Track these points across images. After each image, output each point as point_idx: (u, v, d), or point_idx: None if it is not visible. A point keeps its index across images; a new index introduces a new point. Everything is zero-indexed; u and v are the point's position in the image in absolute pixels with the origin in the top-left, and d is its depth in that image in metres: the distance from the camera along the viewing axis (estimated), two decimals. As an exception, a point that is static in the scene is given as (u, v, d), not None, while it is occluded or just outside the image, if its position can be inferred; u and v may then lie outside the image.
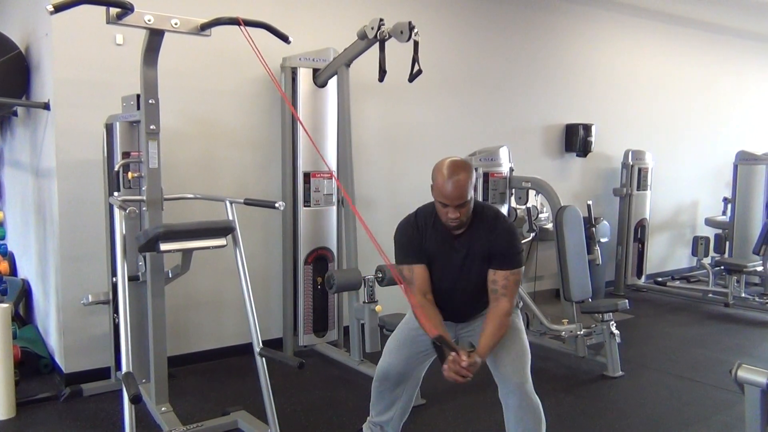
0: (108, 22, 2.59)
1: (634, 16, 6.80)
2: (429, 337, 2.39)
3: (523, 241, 5.02)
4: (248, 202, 3.25)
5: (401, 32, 3.55)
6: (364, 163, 4.88)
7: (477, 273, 2.53)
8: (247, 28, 2.79)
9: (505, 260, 2.48)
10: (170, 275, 3.18)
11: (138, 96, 3.04)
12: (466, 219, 2.44)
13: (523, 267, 2.54)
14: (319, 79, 4.33)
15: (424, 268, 2.54)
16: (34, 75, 4.12)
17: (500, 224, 2.51)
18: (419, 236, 2.54)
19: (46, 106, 3.82)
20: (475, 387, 3.80)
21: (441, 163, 2.43)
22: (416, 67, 3.56)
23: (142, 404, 3.01)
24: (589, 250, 4.91)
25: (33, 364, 4.05)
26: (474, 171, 2.47)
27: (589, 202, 5.66)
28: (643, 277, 6.90)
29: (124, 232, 2.80)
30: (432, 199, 2.50)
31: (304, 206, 4.38)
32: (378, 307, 3.93)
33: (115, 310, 3.59)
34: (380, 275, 3.84)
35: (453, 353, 2.32)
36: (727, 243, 6.98)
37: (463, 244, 2.51)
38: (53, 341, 4.10)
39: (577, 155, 6.44)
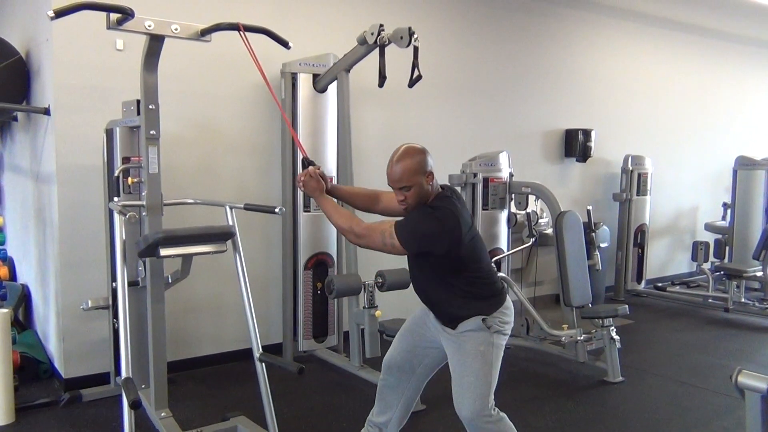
0: (108, 28, 2.59)
1: (633, 22, 6.82)
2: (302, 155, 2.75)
3: (523, 247, 5.05)
4: (248, 207, 3.24)
5: (401, 38, 3.56)
6: (363, 168, 4.87)
7: (419, 263, 2.55)
8: (247, 33, 2.79)
9: (401, 222, 2.43)
10: (170, 280, 3.17)
11: (138, 101, 3.05)
12: (413, 203, 2.45)
13: (400, 249, 2.39)
14: (319, 85, 4.34)
15: (389, 199, 2.65)
16: (35, 80, 4.13)
17: (428, 206, 2.45)
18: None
19: (47, 111, 3.82)
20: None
21: (397, 148, 2.51)
22: (416, 73, 3.57)
23: (141, 410, 3.00)
24: (589, 256, 4.91)
25: (32, 369, 4.05)
26: (427, 159, 2.46)
27: (589, 208, 5.67)
28: (643, 283, 6.90)
29: (124, 237, 2.80)
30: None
31: (304, 211, 4.38)
32: (378, 313, 3.92)
33: (115, 316, 3.58)
34: (380, 280, 3.84)
35: (311, 167, 2.62)
36: (727, 248, 6.98)
37: None
38: (53, 346, 4.09)
39: (576, 160, 6.44)
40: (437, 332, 2.60)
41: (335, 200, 2.69)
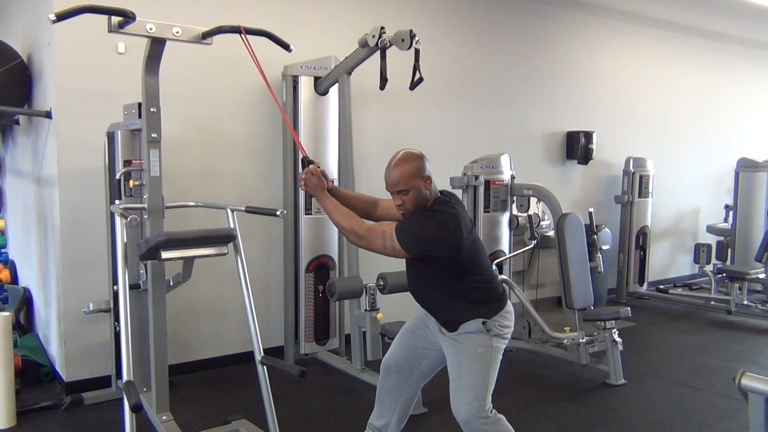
0: (110, 31, 2.60)
1: (635, 24, 6.82)
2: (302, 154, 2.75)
3: (524, 249, 5.05)
4: (249, 210, 3.24)
5: (402, 40, 3.56)
6: (365, 170, 4.87)
7: (417, 267, 2.55)
8: (248, 36, 2.79)
9: (401, 224, 2.41)
10: (171, 283, 3.17)
11: (139, 104, 3.05)
12: (411, 207, 2.44)
13: (401, 252, 2.38)
14: (321, 87, 4.34)
15: (389, 206, 2.64)
16: (36, 83, 4.13)
17: (428, 210, 2.45)
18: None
19: (48, 115, 3.83)
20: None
21: (396, 153, 2.51)
22: (417, 75, 3.56)
23: (143, 413, 3.00)
24: (591, 258, 4.90)
25: (34, 372, 4.04)
26: (425, 164, 2.45)
27: (591, 210, 5.66)
28: (645, 285, 6.89)
29: (125, 240, 2.80)
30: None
31: (306, 214, 4.38)
32: (379, 315, 3.92)
33: (116, 319, 3.58)
34: (381, 283, 3.84)
35: (311, 165, 2.60)
36: (729, 250, 6.97)
37: None
38: (54, 350, 4.09)
39: (578, 163, 6.44)
40: (437, 334, 2.60)
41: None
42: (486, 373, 2.44)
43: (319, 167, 2.62)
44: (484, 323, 2.45)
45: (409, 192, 2.42)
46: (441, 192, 2.55)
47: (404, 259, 2.56)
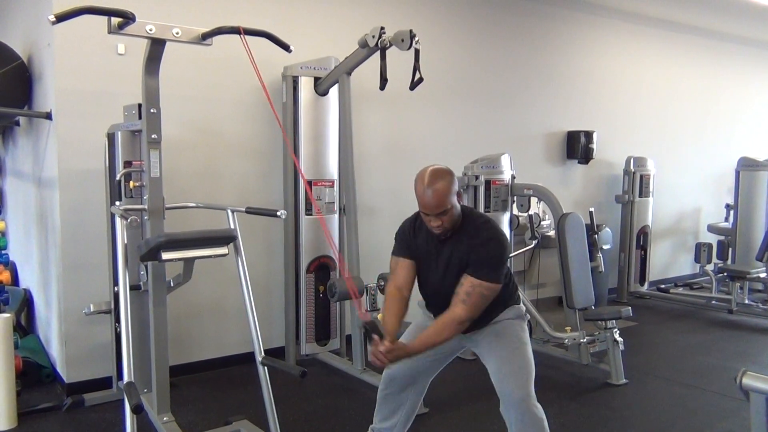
0: (110, 32, 2.60)
1: (635, 24, 6.82)
2: (361, 319, 2.48)
3: (525, 249, 5.04)
4: (250, 211, 3.24)
5: (402, 40, 3.56)
6: (365, 171, 4.88)
7: (456, 282, 2.49)
8: (247, 37, 2.79)
9: (479, 269, 2.39)
10: (172, 284, 3.17)
11: (140, 105, 3.05)
12: (450, 225, 2.42)
13: (497, 285, 2.41)
14: (321, 88, 4.34)
15: (409, 265, 2.57)
16: (36, 85, 4.14)
17: (485, 233, 2.45)
18: (412, 235, 2.59)
19: (48, 116, 3.83)
20: (479, 396, 3.79)
21: (422, 172, 2.41)
22: (417, 76, 3.57)
23: (143, 414, 3.00)
24: (592, 258, 4.90)
25: (35, 374, 4.04)
26: (455, 179, 2.43)
27: (591, 210, 5.66)
28: (646, 284, 6.89)
29: (125, 241, 2.80)
30: None
31: (306, 215, 4.38)
32: (380, 316, 3.90)
33: (117, 320, 3.58)
34: (382, 283, 3.84)
35: (377, 337, 2.34)
36: (730, 249, 6.96)
37: (446, 251, 2.50)
38: (55, 351, 4.09)
39: (578, 162, 6.43)
40: (456, 340, 2.59)
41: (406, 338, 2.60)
42: (531, 355, 2.54)
43: (384, 341, 2.34)
44: (520, 309, 2.61)
45: (448, 212, 2.37)
46: None
47: (434, 284, 2.57)
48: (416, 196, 2.41)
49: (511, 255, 4.82)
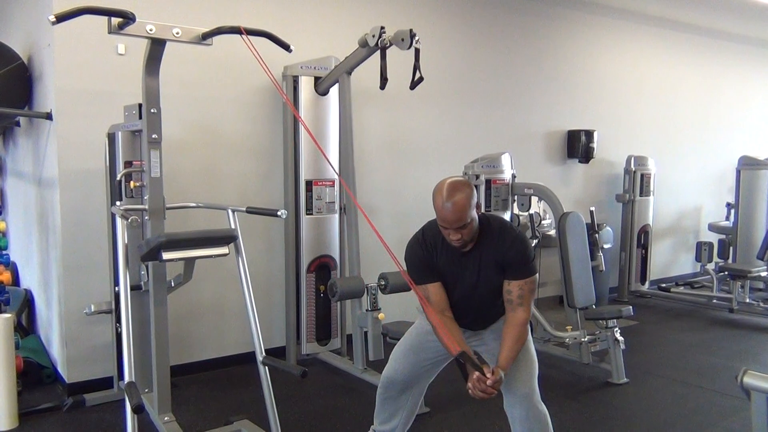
0: (110, 32, 2.60)
1: (636, 23, 6.81)
2: (451, 354, 2.37)
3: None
4: (250, 211, 3.24)
5: (402, 40, 3.56)
6: (366, 170, 4.88)
7: (490, 286, 2.50)
8: (248, 37, 2.79)
9: (518, 270, 2.45)
10: (173, 284, 3.17)
11: (140, 105, 3.05)
12: (470, 238, 2.40)
13: (537, 274, 2.51)
14: (321, 87, 4.34)
15: (439, 286, 2.50)
16: (37, 85, 4.14)
17: (508, 235, 2.47)
18: (429, 256, 2.51)
19: (49, 116, 3.83)
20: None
21: (440, 185, 2.36)
22: (417, 75, 3.56)
23: (144, 414, 3.00)
24: (593, 257, 4.90)
25: (35, 374, 4.04)
26: (474, 190, 2.38)
27: (592, 209, 5.65)
28: (647, 283, 6.88)
29: (126, 241, 2.79)
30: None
31: (307, 214, 4.38)
32: (381, 315, 3.92)
33: (118, 320, 3.57)
34: (383, 283, 3.83)
35: (477, 372, 2.27)
36: (731, 248, 6.96)
37: (473, 260, 2.48)
38: (56, 351, 4.09)
39: (579, 161, 6.43)
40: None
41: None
42: (534, 353, 2.58)
43: (484, 372, 2.28)
44: None
45: (468, 225, 2.35)
46: None
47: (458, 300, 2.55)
48: (435, 210, 2.36)
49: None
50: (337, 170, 4.33)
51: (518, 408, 2.45)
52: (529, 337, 2.60)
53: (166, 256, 2.72)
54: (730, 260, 6.90)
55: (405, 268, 2.58)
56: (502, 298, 2.51)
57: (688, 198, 7.78)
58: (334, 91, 4.31)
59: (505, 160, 4.83)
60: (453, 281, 2.52)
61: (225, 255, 2.93)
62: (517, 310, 2.45)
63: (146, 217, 3.04)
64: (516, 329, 2.43)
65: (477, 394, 2.29)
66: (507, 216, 4.83)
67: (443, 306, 2.50)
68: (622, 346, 4.15)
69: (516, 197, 4.89)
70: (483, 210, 4.71)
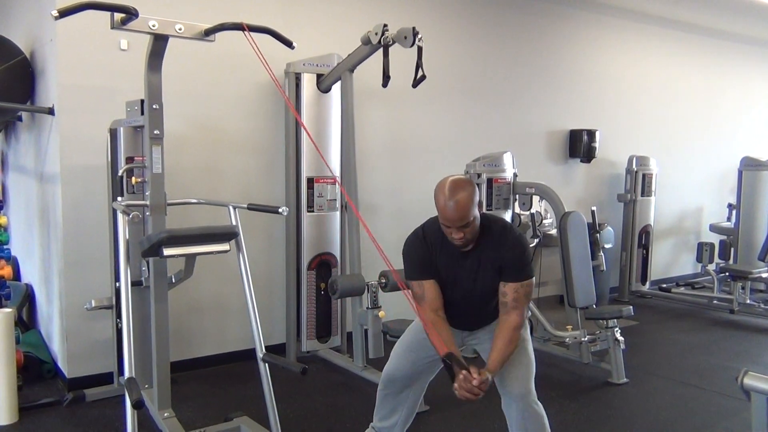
0: (113, 28, 2.60)
1: (638, 22, 6.80)
2: (438, 354, 2.36)
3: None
4: (251, 208, 3.24)
5: (405, 38, 3.55)
6: (367, 168, 4.88)
7: (488, 287, 2.50)
8: (251, 33, 2.79)
9: (514, 272, 2.44)
10: (173, 280, 3.17)
11: (142, 101, 3.05)
12: (471, 237, 2.39)
13: (533, 278, 2.48)
14: (323, 85, 4.33)
15: (435, 284, 2.49)
16: (39, 80, 4.14)
17: (509, 236, 2.46)
18: (428, 252, 2.50)
19: (51, 111, 3.83)
20: (479, 393, 3.79)
21: (442, 183, 2.35)
22: (420, 73, 3.56)
23: (144, 410, 3.01)
24: (594, 256, 4.89)
25: (36, 369, 4.05)
26: (476, 188, 2.37)
27: (593, 208, 5.65)
28: (648, 284, 6.88)
29: (127, 236, 2.79)
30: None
31: (308, 211, 4.38)
32: (381, 313, 3.92)
33: (118, 315, 3.58)
34: (383, 281, 3.83)
35: (464, 372, 2.26)
36: (732, 249, 6.95)
37: (473, 259, 2.48)
38: (56, 346, 4.10)
39: (581, 161, 6.43)
40: (458, 338, 2.61)
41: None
42: (532, 353, 2.57)
43: (473, 375, 2.27)
44: None
45: (470, 224, 2.34)
46: None
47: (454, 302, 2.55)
48: (437, 208, 2.36)
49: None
50: (336, 170, 4.34)
51: (514, 408, 2.46)
52: (528, 337, 2.60)
53: (167, 252, 2.73)
54: (731, 261, 6.89)
55: (401, 265, 2.58)
56: (493, 298, 2.51)
57: (690, 198, 7.78)
58: (337, 88, 4.31)
59: (507, 159, 4.83)
60: (451, 281, 2.52)
61: (226, 251, 2.93)
62: (510, 313, 2.43)
63: (147, 213, 3.05)
64: (508, 332, 2.41)
65: (463, 395, 2.27)
66: (508, 215, 4.83)
67: (437, 305, 2.49)
68: (622, 346, 4.15)
69: (517, 196, 4.88)
70: (485, 209, 4.71)
